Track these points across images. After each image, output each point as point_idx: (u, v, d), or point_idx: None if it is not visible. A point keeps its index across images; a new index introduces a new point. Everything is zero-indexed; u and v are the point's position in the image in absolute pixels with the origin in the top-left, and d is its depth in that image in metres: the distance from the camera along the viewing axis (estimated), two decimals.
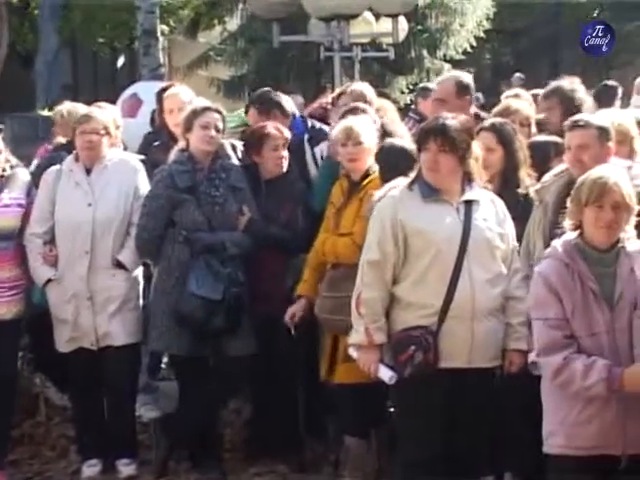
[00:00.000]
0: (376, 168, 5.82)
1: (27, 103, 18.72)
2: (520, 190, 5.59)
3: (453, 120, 5.09)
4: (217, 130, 6.14)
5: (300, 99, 10.28)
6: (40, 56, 19.66)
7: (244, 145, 6.54)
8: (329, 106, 7.24)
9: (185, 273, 5.96)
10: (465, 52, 23.19)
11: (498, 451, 5.33)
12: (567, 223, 4.43)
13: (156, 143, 6.95)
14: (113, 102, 8.44)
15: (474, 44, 23.28)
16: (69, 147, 6.53)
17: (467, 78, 6.86)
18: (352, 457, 5.88)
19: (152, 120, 7.52)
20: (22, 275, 6.29)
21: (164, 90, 7.26)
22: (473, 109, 6.78)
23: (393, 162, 5.52)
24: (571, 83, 6.79)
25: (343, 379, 5.71)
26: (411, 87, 20.29)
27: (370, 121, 6.00)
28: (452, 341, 4.97)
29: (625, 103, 11.69)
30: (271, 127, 6.36)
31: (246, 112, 7.17)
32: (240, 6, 22.16)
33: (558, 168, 5.35)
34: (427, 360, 4.94)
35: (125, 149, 6.80)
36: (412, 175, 5.13)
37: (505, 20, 26.97)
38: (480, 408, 5.04)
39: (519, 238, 5.29)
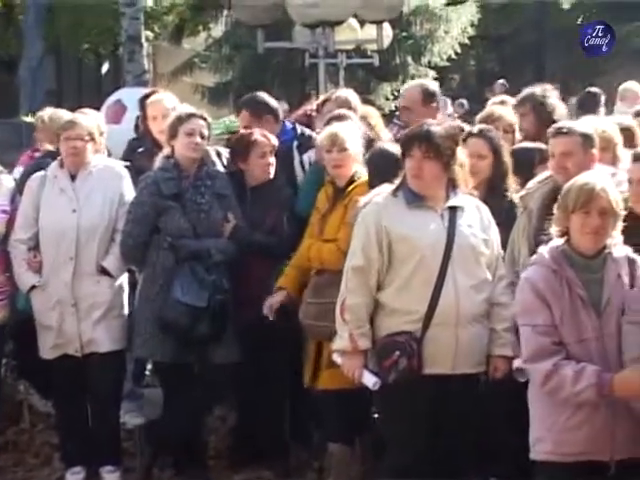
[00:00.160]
0: (362, 174, 5.83)
1: (11, 109, 18.70)
2: (506, 197, 5.61)
3: (437, 127, 5.11)
4: (202, 137, 6.14)
5: (285, 106, 10.29)
6: (24, 62, 19.63)
7: (230, 152, 6.54)
8: (313, 113, 7.25)
9: (170, 280, 5.95)
10: (450, 59, 23.28)
11: (483, 457, 5.33)
12: (553, 230, 4.44)
13: (140, 150, 6.94)
14: (97, 108, 8.43)
15: (459, 51, 23.37)
16: (56, 154, 6.51)
17: (433, 86, 6.93)
18: (336, 463, 5.87)
19: (137, 126, 7.51)
20: (6, 281, 6.28)
21: (147, 97, 7.25)
22: (440, 116, 6.83)
23: (383, 167, 5.52)
24: (543, 90, 6.86)
25: (327, 385, 5.71)
26: (396, 94, 20.33)
27: (355, 127, 6.01)
28: (436, 347, 4.98)
29: (609, 110, 11.73)
30: (258, 134, 6.36)
31: (237, 114, 7.17)
32: (225, 12, 22.18)
33: (542, 175, 5.37)
34: (411, 366, 4.95)
35: (109, 155, 6.79)
36: (396, 181, 5.14)
37: (490, 27, 27.06)
38: (465, 414, 5.05)
39: (504, 245, 5.31)
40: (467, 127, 6.12)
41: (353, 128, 5.97)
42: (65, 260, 6.14)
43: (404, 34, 21.73)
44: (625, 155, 5.66)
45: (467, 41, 23.57)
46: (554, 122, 6.66)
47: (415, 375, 4.96)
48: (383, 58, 16.03)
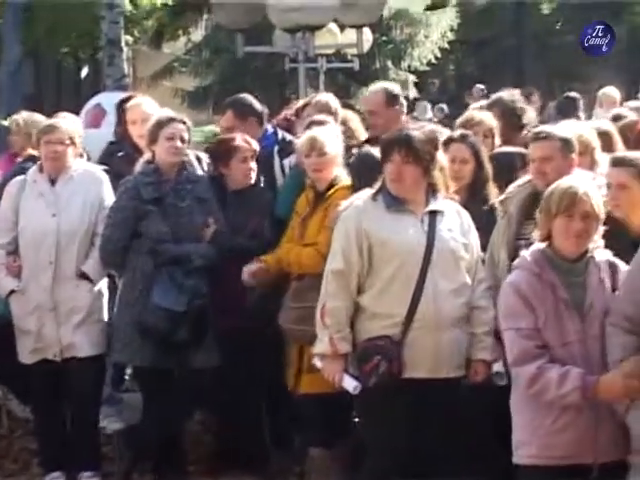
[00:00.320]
0: (342, 178, 5.83)
1: None
2: (487, 202, 5.63)
3: (417, 131, 5.11)
4: (182, 141, 6.13)
5: (265, 110, 10.26)
6: (2, 66, 19.53)
7: (211, 156, 6.54)
8: (293, 117, 7.25)
9: (149, 285, 5.94)
10: (429, 63, 23.35)
11: (465, 460, 5.33)
12: (535, 233, 4.46)
13: (120, 154, 6.92)
14: (77, 112, 8.41)
15: (438, 55, 23.45)
16: (38, 159, 6.48)
17: (395, 88, 6.96)
18: (317, 468, 5.87)
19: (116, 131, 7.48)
20: None
21: (124, 101, 7.25)
22: (404, 118, 6.87)
23: (367, 170, 5.51)
24: (511, 94, 6.93)
25: (308, 389, 5.71)
26: None
27: (335, 131, 6.01)
28: (416, 351, 4.98)
29: (588, 115, 11.79)
30: (240, 139, 6.35)
31: (221, 115, 7.16)
32: (204, 17, 22.18)
33: (522, 179, 5.39)
34: (391, 370, 4.95)
35: (89, 159, 6.77)
36: (376, 186, 5.15)
37: (469, 31, 27.15)
38: (445, 418, 5.05)
39: (484, 249, 5.32)
40: (447, 131, 6.14)
41: (332, 132, 5.97)
42: (45, 264, 6.12)
43: (384, 38, 21.78)
44: (603, 159, 5.69)
45: (447, 46, 23.65)
46: (523, 126, 6.74)
47: (395, 379, 4.96)
48: (363, 62, 16.05)
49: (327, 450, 5.85)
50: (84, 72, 24.79)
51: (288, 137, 6.96)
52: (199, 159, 6.61)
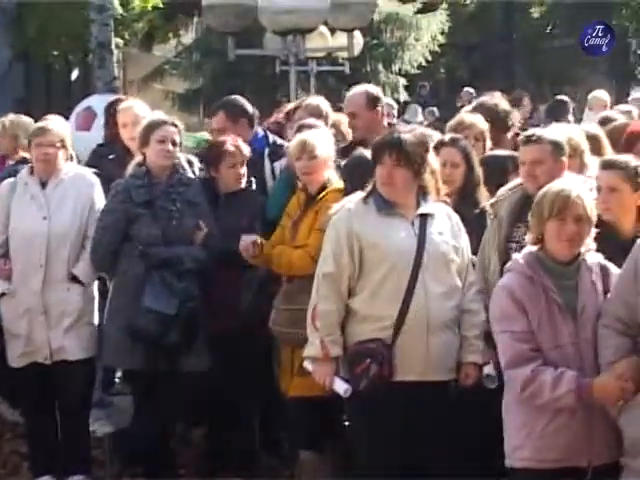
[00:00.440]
0: (334, 181, 5.83)
1: None
2: (478, 205, 5.64)
3: (408, 134, 5.12)
4: (174, 144, 6.12)
5: (256, 113, 10.26)
6: None
7: (201, 160, 6.54)
8: (284, 120, 7.26)
9: (140, 288, 5.93)
10: (420, 66, 23.35)
11: (456, 464, 5.33)
12: (528, 237, 4.47)
13: (111, 157, 6.92)
14: (67, 115, 8.39)
15: (429, 58, 23.45)
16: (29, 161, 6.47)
17: (376, 90, 6.97)
18: (307, 471, 5.86)
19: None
20: None
21: (112, 104, 7.25)
22: (386, 120, 6.89)
23: (359, 173, 5.51)
24: (492, 97, 6.96)
25: (298, 392, 5.70)
26: None
27: (326, 134, 6.01)
28: (407, 354, 4.98)
29: (577, 118, 11.81)
30: (230, 144, 6.34)
31: (212, 117, 7.17)
32: (195, 19, 22.15)
33: (513, 182, 5.40)
34: (382, 373, 4.95)
35: (79, 162, 6.76)
36: (368, 188, 5.15)
37: (460, 35, 27.19)
38: (436, 421, 5.05)
39: (475, 252, 5.32)
40: (437, 134, 6.15)
41: (324, 135, 5.97)
42: (35, 267, 6.11)
43: (375, 42, 21.78)
44: (592, 162, 5.70)
45: (437, 49, 23.67)
46: (509, 128, 6.77)
47: (386, 382, 4.96)
48: (354, 66, 16.06)
49: (317, 453, 5.85)
50: (74, 75, 24.71)
51: (278, 140, 6.98)
52: (190, 162, 6.61)
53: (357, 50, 14.30)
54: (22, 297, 6.13)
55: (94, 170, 6.55)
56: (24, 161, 6.69)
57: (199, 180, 6.40)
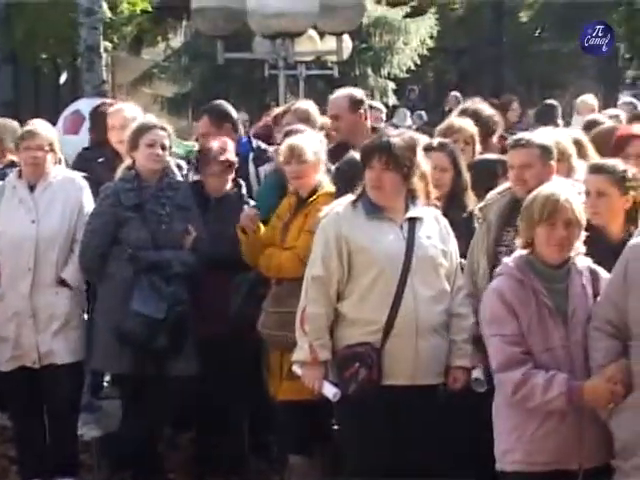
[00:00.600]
0: (325, 184, 5.82)
1: None
2: (466, 209, 5.65)
3: (397, 138, 5.12)
4: (163, 148, 6.11)
5: (245, 116, 10.29)
6: None
7: (189, 162, 6.55)
8: (272, 124, 7.26)
9: (129, 291, 5.91)
10: (409, 70, 23.38)
11: (445, 468, 5.33)
12: (517, 241, 4.48)
13: (100, 160, 6.90)
14: (56, 119, 8.38)
15: (418, 62, 23.48)
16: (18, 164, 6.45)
17: (359, 93, 6.98)
18: (296, 475, 5.85)
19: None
20: None
21: (97, 108, 7.25)
22: (369, 122, 6.90)
23: (350, 177, 5.50)
24: (473, 102, 7.02)
25: (287, 396, 5.69)
26: None
27: (317, 138, 6.01)
28: (396, 358, 4.98)
29: (566, 122, 11.84)
30: (215, 150, 6.32)
31: (198, 120, 7.19)
32: (184, 23, 22.16)
33: (501, 187, 5.41)
34: (371, 377, 4.95)
35: (67, 166, 6.74)
36: (357, 192, 5.15)
37: (449, 39, 27.24)
38: (425, 424, 5.05)
39: (464, 256, 5.32)
40: (425, 138, 6.15)
41: (314, 139, 5.96)
42: (24, 271, 6.09)
43: (364, 45, 21.80)
44: (579, 166, 5.71)
45: (426, 53, 23.71)
46: (494, 131, 6.79)
47: (375, 386, 4.96)
48: (343, 69, 16.08)
49: (306, 457, 5.84)
50: (63, 78, 24.67)
51: (263, 145, 7.01)
52: (179, 167, 6.60)
53: (346, 54, 14.32)
54: (10, 301, 6.12)
55: (83, 174, 6.54)
56: (12, 164, 6.67)
57: (188, 184, 6.39)
